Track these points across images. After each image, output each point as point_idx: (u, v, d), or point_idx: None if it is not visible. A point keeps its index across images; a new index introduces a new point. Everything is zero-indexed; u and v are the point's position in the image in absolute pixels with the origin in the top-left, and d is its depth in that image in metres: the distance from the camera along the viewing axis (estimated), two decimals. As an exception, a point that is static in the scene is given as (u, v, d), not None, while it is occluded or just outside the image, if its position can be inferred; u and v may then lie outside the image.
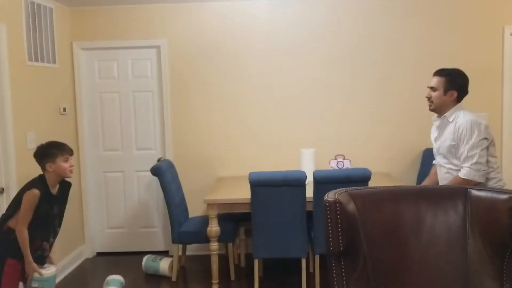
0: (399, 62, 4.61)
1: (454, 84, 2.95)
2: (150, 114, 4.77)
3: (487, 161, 2.86)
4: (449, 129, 2.95)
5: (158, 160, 4.64)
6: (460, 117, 2.90)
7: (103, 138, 4.82)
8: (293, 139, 4.67)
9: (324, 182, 3.57)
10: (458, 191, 2.61)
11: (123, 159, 4.83)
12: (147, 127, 4.78)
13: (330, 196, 2.39)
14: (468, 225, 2.53)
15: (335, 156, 4.51)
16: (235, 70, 4.66)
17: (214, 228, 3.82)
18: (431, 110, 3.07)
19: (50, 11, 4.22)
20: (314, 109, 4.67)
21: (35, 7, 3.95)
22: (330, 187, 2.65)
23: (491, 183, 2.91)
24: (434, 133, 3.15)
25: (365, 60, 4.62)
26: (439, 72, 3.02)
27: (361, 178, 3.61)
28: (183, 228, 4.16)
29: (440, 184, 3.11)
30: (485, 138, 2.85)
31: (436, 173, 3.19)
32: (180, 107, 4.70)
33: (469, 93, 4.59)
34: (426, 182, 3.35)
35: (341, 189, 2.55)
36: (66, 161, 2.94)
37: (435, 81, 3.00)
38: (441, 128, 3.04)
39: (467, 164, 2.82)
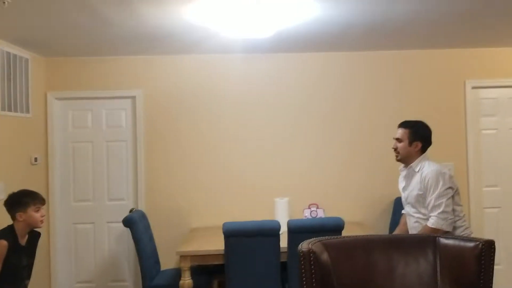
0: (369, 114, 4.77)
1: (418, 135, 3.10)
2: (123, 164, 4.75)
3: (453, 210, 2.95)
4: (416, 179, 3.05)
5: (130, 211, 4.57)
6: (426, 167, 3.01)
7: (74, 189, 4.74)
8: (267, 188, 4.70)
9: (298, 231, 3.57)
10: (428, 240, 2.67)
11: (94, 210, 4.75)
12: (119, 177, 4.75)
13: (304, 246, 2.41)
14: (438, 273, 2.57)
15: (309, 205, 4.54)
16: (209, 121, 4.73)
17: (187, 281, 3.73)
18: (397, 160, 3.19)
19: (26, 62, 4.25)
20: (288, 158, 4.75)
21: (11, 58, 3.98)
22: (304, 237, 2.67)
23: (459, 231, 2.99)
24: (401, 183, 3.24)
25: (336, 112, 4.77)
26: (404, 124, 3.17)
27: (334, 227, 3.63)
28: (154, 281, 4.05)
29: (410, 233, 3.17)
30: (450, 188, 2.95)
31: (405, 223, 3.26)
32: (154, 157, 4.71)
33: (436, 143, 4.76)
34: (396, 232, 3.41)
35: (314, 239, 2.57)
36: (37, 211, 2.90)
37: (400, 132, 3.14)
38: (408, 178, 3.14)
39: (434, 213, 2.90)
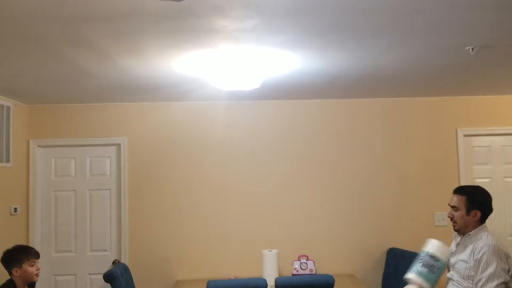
0: (359, 163, 4.67)
1: (476, 203, 2.76)
2: (107, 213, 4.59)
3: None
4: (468, 250, 2.74)
5: (113, 263, 4.40)
6: (482, 240, 2.69)
7: (55, 239, 4.57)
8: (255, 239, 4.54)
9: (286, 289, 3.42)
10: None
11: (76, 261, 4.56)
12: (103, 227, 4.58)
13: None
14: None
15: (299, 257, 4.39)
16: (195, 169, 4.61)
17: None
18: (455, 230, 2.87)
19: (8, 109, 4.15)
20: (276, 208, 4.61)
21: (-8, 107, 3.89)
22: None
23: None
24: (452, 247, 2.94)
25: (326, 160, 4.67)
26: (459, 190, 2.86)
27: (324, 285, 3.46)
28: None
29: None
30: (507, 269, 2.62)
31: None
32: (139, 206, 4.56)
33: (429, 192, 4.68)
34: None
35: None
36: (32, 265, 3.02)
37: (455, 200, 2.82)
38: (461, 246, 2.83)
39: None
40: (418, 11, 2.32)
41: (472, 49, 3.00)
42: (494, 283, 2.53)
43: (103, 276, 3.83)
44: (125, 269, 4.16)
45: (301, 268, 4.32)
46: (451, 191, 4.71)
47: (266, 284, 3.47)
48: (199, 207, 4.58)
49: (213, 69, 3.28)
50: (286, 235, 4.57)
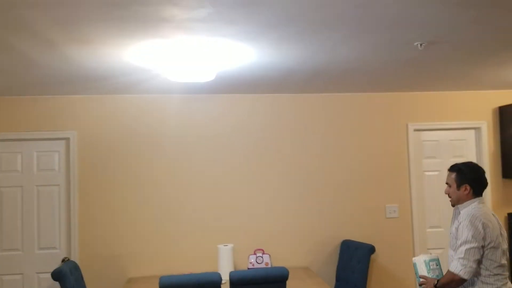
0: (314, 158, 4.72)
1: (465, 178, 2.89)
2: (56, 209, 4.43)
3: (479, 262, 2.75)
4: (456, 221, 2.91)
5: (63, 260, 4.25)
6: (464, 211, 2.86)
7: (1, 237, 4.36)
8: (209, 233, 4.51)
9: (241, 283, 3.40)
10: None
11: (23, 260, 4.37)
12: (51, 224, 4.41)
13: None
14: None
15: (254, 251, 4.39)
16: (147, 163, 4.51)
17: (121, 339, 3.46)
18: (452, 205, 3.01)
19: None
20: (231, 202, 4.59)
21: None
22: (247, 289, 2.51)
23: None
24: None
25: (280, 153, 4.68)
26: (451, 168, 3.01)
27: (278, 278, 3.48)
28: None
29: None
30: (479, 239, 2.74)
31: None
32: (89, 202, 4.42)
33: (380, 185, 4.79)
34: None
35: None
36: None
37: (448, 177, 2.98)
38: (454, 220, 2.98)
39: (456, 257, 2.76)
40: (369, 6, 2.35)
41: (421, 44, 3.06)
42: (465, 247, 2.71)
43: (51, 274, 3.70)
44: (75, 267, 4.02)
45: (257, 262, 4.32)
46: (402, 184, 4.89)
47: (221, 279, 3.45)
48: (152, 202, 4.49)
49: (165, 60, 3.20)
50: (241, 229, 4.56)
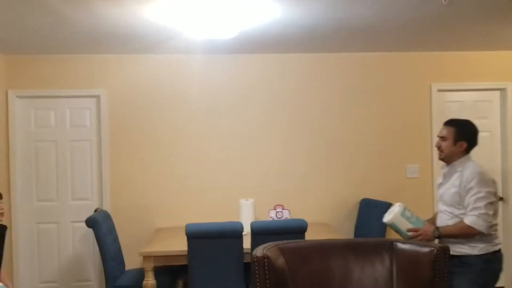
0: (334, 116, 4.79)
1: (464, 135, 2.94)
2: (88, 163, 4.67)
3: (494, 215, 2.82)
4: (455, 177, 2.93)
5: (95, 211, 4.51)
6: (469, 168, 2.88)
7: (37, 188, 4.64)
8: (233, 189, 4.68)
9: (261, 233, 3.56)
10: (384, 244, 2.70)
11: (58, 210, 4.66)
12: (84, 177, 4.67)
13: (259, 251, 2.40)
14: (394, 278, 2.60)
15: (274, 206, 4.54)
16: (174, 120, 4.69)
17: (150, 281, 3.70)
18: (440, 159, 3.06)
19: (-15, 58, 4.13)
20: (253, 159, 4.74)
21: (-32, 54, 3.86)
22: (267, 239, 2.67)
23: (490, 238, 2.87)
24: (439, 179, 3.13)
25: (301, 113, 4.77)
26: (450, 122, 3.02)
27: (297, 229, 3.63)
28: (118, 282, 4.00)
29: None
30: (494, 193, 2.84)
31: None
32: (119, 156, 4.64)
33: (401, 145, 4.84)
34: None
35: (271, 243, 2.57)
36: None
37: (445, 131, 2.99)
38: (448, 176, 3.00)
39: (475, 213, 2.77)
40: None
41: None
42: (483, 202, 2.76)
43: (86, 221, 3.95)
44: (107, 216, 4.28)
45: (277, 217, 4.48)
46: (423, 145, 4.92)
47: (242, 228, 3.63)
48: (178, 158, 4.69)
49: (188, 17, 3.29)
50: (263, 185, 4.72)
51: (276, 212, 4.47)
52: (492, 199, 2.80)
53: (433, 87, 4.81)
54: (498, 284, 4.90)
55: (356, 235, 4.68)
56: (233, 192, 4.65)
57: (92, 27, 3.59)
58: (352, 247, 2.69)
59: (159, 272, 3.88)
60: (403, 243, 2.68)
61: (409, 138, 4.81)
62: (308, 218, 4.20)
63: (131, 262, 4.46)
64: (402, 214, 2.94)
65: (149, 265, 3.70)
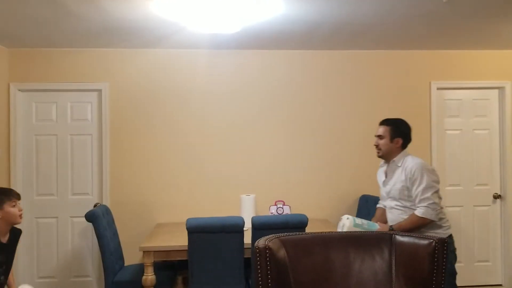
0: (334, 113, 4.82)
1: (399, 132, 3.18)
2: (88, 158, 4.67)
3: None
4: (398, 173, 3.12)
5: (95, 206, 4.51)
6: (409, 161, 3.09)
7: (37, 182, 4.65)
8: (233, 184, 4.70)
9: (262, 228, 3.57)
10: (384, 237, 2.71)
11: (57, 205, 4.66)
12: (84, 171, 4.67)
13: (261, 243, 2.41)
14: (393, 270, 2.62)
15: (275, 202, 4.56)
16: (176, 115, 4.70)
17: (149, 277, 3.70)
18: (379, 156, 3.27)
19: (-13, 51, 4.14)
20: (254, 155, 4.76)
21: (-30, 47, 3.87)
22: (268, 233, 2.68)
23: (441, 222, 3.07)
24: (381, 177, 3.31)
25: (303, 109, 4.79)
26: (385, 122, 3.26)
27: (298, 224, 3.65)
28: (117, 277, 4.00)
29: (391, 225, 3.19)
30: (437, 180, 3.04)
31: (381, 215, 3.35)
32: (119, 151, 4.65)
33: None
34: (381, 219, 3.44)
35: (272, 235, 2.58)
36: (13, 206, 2.90)
37: (381, 130, 3.22)
38: (390, 173, 3.20)
39: (423, 204, 2.97)
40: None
41: (445, -3, 3.09)
42: (430, 192, 2.96)
43: (85, 216, 3.94)
44: (107, 211, 4.28)
45: (278, 213, 4.49)
46: (423, 142, 4.94)
47: (243, 222, 3.64)
48: (179, 152, 4.70)
49: (192, 11, 3.30)
50: (264, 181, 4.73)
51: (277, 208, 4.48)
52: (437, 187, 3.01)
53: (433, 85, 4.84)
54: (495, 282, 4.96)
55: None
56: (234, 188, 4.66)
57: (95, 20, 3.60)
58: (353, 240, 2.70)
59: (158, 267, 3.89)
60: (402, 236, 2.70)
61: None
62: (308, 214, 4.23)
63: (131, 257, 4.47)
64: (355, 225, 3.06)
65: (149, 260, 3.70)
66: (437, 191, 3.01)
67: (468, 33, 4.14)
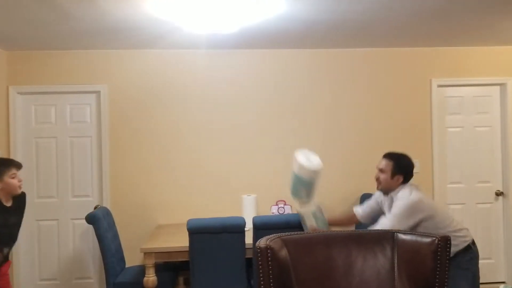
0: (335, 112, 4.80)
1: (401, 169, 3.04)
2: (88, 160, 4.66)
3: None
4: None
5: (95, 208, 4.50)
6: (400, 194, 3.00)
7: (37, 185, 4.64)
8: (234, 185, 4.68)
9: (263, 228, 3.56)
10: (386, 235, 2.69)
11: (58, 207, 4.65)
12: (84, 173, 4.66)
13: (262, 242, 2.39)
14: (395, 269, 2.60)
15: (276, 202, 4.54)
16: (175, 116, 4.68)
17: (151, 278, 3.69)
18: (378, 189, 3.16)
19: (-15, 54, 4.13)
20: (255, 155, 4.74)
21: (-31, 50, 3.86)
22: (269, 233, 2.65)
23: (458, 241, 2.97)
24: (382, 208, 3.22)
25: (303, 109, 4.78)
26: (388, 156, 3.12)
27: (299, 224, 3.63)
28: (118, 278, 3.99)
29: None
30: (411, 226, 2.91)
31: (347, 219, 3.46)
32: (119, 152, 4.63)
33: (402, 141, 4.85)
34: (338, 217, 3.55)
35: (274, 235, 2.56)
36: (13, 177, 2.93)
37: (383, 163, 3.08)
38: (388, 207, 3.10)
39: (389, 219, 2.92)
40: None
41: (446, -8, 3.07)
42: (397, 219, 2.88)
43: (86, 218, 3.93)
44: (107, 213, 4.26)
45: (279, 213, 4.48)
46: (424, 140, 4.92)
47: (245, 223, 3.63)
48: (179, 153, 4.68)
49: (189, 11, 3.28)
50: (265, 181, 4.72)
51: (278, 208, 4.47)
52: (406, 225, 2.87)
53: (434, 82, 4.82)
54: (498, 279, 4.93)
55: (357, 228, 4.67)
56: (235, 188, 4.65)
57: (93, 21, 3.59)
58: (355, 238, 2.68)
59: (160, 268, 3.88)
60: (404, 234, 2.68)
61: (410, 133, 4.82)
62: (309, 213, 4.21)
63: (132, 259, 4.46)
64: (314, 213, 3.08)
65: (150, 262, 3.68)
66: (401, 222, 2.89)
67: (468, 29, 4.12)
